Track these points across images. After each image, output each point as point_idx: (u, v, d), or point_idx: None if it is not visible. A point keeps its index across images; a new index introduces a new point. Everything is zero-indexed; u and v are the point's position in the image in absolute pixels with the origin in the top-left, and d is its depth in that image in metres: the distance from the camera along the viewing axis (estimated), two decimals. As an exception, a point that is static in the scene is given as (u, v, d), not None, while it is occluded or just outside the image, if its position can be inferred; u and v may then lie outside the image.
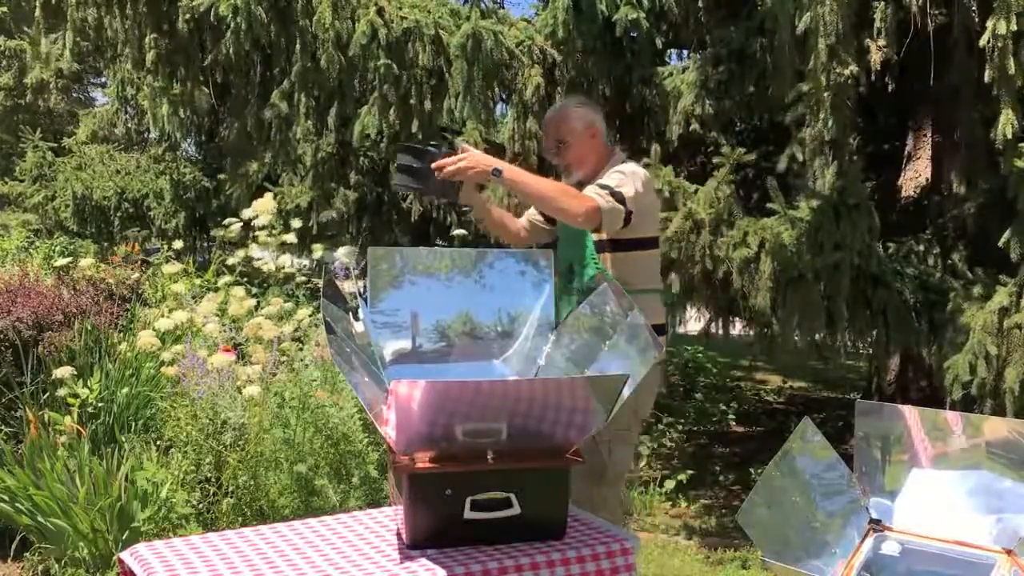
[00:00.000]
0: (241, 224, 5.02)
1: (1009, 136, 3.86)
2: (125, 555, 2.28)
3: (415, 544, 2.23)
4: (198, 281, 6.13)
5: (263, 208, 4.93)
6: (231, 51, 5.46)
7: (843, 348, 4.93)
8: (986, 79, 3.86)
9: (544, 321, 2.67)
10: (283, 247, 5.09)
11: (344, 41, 5.26)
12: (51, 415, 4.15)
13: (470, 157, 2.78)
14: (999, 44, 3.75)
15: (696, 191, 4.71)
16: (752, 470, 5.71)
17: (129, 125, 15.73)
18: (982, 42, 3.82)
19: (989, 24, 3.79)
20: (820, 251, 4.39)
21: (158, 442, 4.19)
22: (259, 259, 5.22)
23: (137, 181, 10.06)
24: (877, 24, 4.24)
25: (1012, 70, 3.74)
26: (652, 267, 3.12)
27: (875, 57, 4.62)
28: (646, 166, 4.80)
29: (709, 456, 6.44)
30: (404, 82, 5.36)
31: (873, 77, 4.79)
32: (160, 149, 11.64)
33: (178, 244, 7.40)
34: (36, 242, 10.88)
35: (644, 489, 5.36)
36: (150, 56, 5.74)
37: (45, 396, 4.34)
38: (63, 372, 4.18)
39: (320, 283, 2.70)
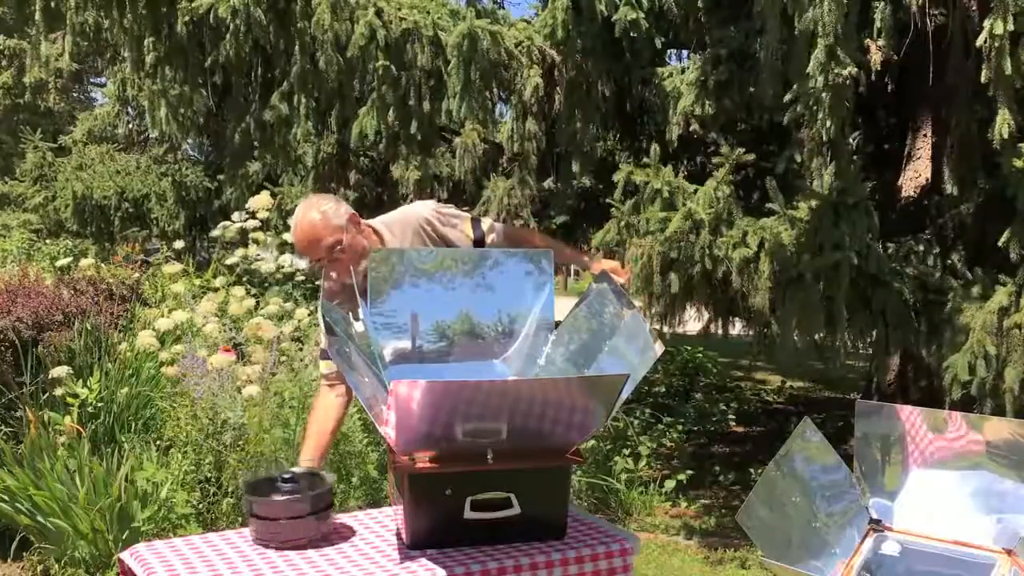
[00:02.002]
0: (237, 225, 5.04)
1: (1006, 136, 3.85)
2: (125, 555, 2.28)
3: (415, 544, 2.24)
4: (197, 281, 6.14)
5: (260, 205, 4.94)
6: (231, 53, 5.46)
7: (843, 348, 4.92)
8: (982, 79, 3.86)
9: (544, 321, 2.67)
10: (283, 247, 5.10)
11: (343, 42, 5.26)
12: (51, 415, 4.15)
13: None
14: (996, 44, 3.75)
15: (695, 191, 4.71)
16: (752, 470, 5.71)
17: (130, 126, 15.73)
18: (979, 42, 3.82)
19: (986, 24, 3.78)
20: (819, 251, 4.39)
21: (158, 442, 4.19)
22: (259, 259, 5.23)
23: (137, 181, 10.05)
24: (877, 24, 4.24)
25: (1008, 70, 3.74)
26: None
27: (875, 57, 4.62)
28: (645, 166, 4.82)
29: (709, 456, 6.44)
30: (403, 83, 5.36)
31: (873, 77, 4.79)
32: (162, 150, 11.64)
33: (179, 244, 7.41)
34: (38, 244, 10.88)
35: (644, 489, 5.36)
36: (149, 58, 5.74)
37: (45, 396, 4.34)
38: (60, 372, 4.18)
39: (320, 283, 2.69)
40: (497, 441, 2.19)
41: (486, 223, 2.94)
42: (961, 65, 4.61)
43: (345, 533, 2.39)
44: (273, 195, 5.73)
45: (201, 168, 10.17)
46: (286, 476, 2.36)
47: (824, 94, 4.01)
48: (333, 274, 2.82)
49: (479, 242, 2.89)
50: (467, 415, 2.13)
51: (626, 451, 5.49)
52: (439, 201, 3.23)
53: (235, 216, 5.07)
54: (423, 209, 2.90)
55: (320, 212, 2.71)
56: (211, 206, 9.48)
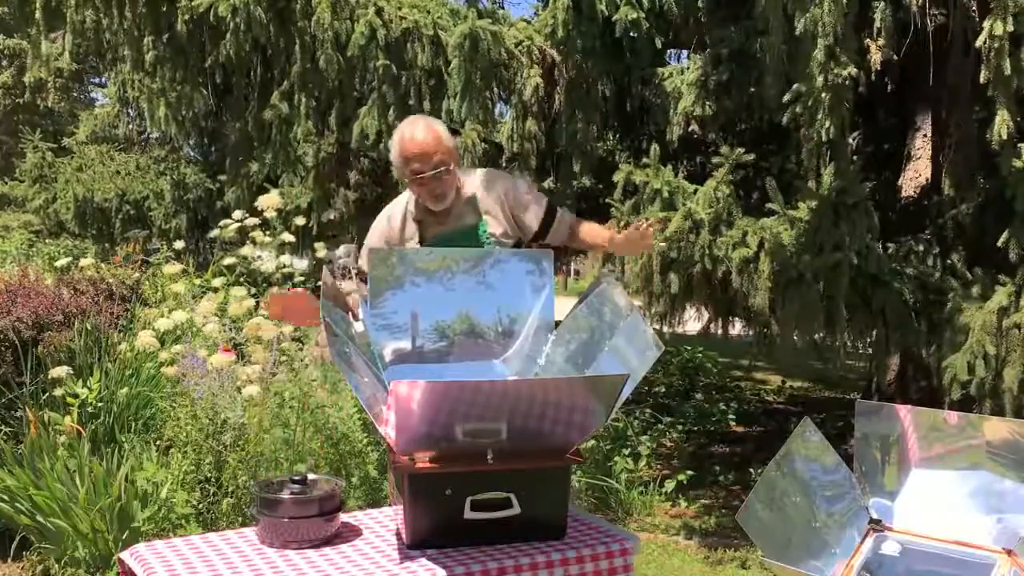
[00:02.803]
0: (237, 224, 5.03)
1: (1004, 137, 3.86)
2: (125, 555, 2.28)
3: (415, 544, 2.24)
4: (197, 281, 6.13)
5: (268, 203, 4.93)
6: (231, 52, 5.46)
7: (843, 348, 4.92)
8: (982, 80, 3.86)
9: (544, 321, 2.67)
10: (283, 247, 5.09)
11: (343, 42, 5.26)
12: (51, 415, 4.15)
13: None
14: (995, 45, 3.75)
15: (695, 191, 4.71)
16: (752, 470, 5.72)
17: (130, 126, 15.74)
18: (978, 43, 3.82)
19: (985, 25, 3.78)
20: (819, 251, 4.39)
21: (158, 442, 4.19)
22: (258, 259, 5.22)
23: (138, 183, 10.05)
24: (877, 24, 4.24)
25: (1008, 71, 3.74)
26: None
27: (875, 57, 4.62)
28: (645, 166, 4.82)
29: (709, 456, 6.44)
30: (403, 82, 5.36)
31: (873, 77, 4.79)
32: (164, 151, 11.64)
33: (179, 244, 7.41)
34: (38, 244, 10.88)
35: (644, 489, 5.36)
36: (149, 57, 5.74)
37: (45, 396, 4.34)
38: (60, 372, 4.17)
39: (320, 283, 2.69)
40: (497, 441, 2.19)
41: (560, 213, 3.03)
42: (961, 65, 4.62)
43: (345, 533, 2.39)
44: (281, 194, 5.73)
45: (201, 168, 10.17)
46: (296, 478, 2.38)
47: (824, 94, 4.02)
48: (404, 203, 2.91)
49: (547, 222, 2.98)
50: (467, 415, 2.13)
51: (626, 451, 5.50)
52: None
53: (236, 214, 5.06)
54: (516, 178, 3.04)
55: (437, 129, 2.78)
56: (213, 207, 9.47)
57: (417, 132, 2.77)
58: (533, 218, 2.95)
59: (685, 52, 6.13)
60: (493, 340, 2.66)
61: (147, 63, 5.78)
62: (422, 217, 2.90)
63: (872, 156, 6.43)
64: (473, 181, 2.92)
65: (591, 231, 3.07)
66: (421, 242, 2.91)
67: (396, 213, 2.94)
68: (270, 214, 4.92)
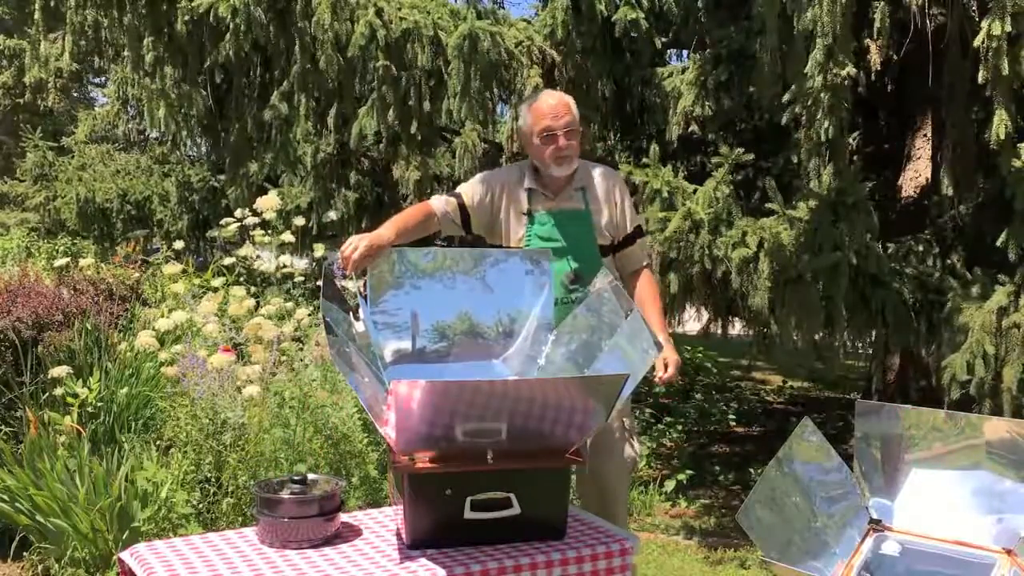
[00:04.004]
0: (239, 223, 5.03)
1: (1003, 136, 3.86)
2: (125, 555, 2.29)
3: (415, 544, 2.24)
4: (197, 281, 6.13)
5: (267, 205, 4.93)
6: (231, 52, 5.46)
7: (842, 348, 4.93)
8: (980, 80, 3.86)
9: (544, 321, 2.68)
10: (283, 247, 5.09)
11: (343, 42, 5.26)
12: (51, 415, 4.15)
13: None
14: (993, 45, 3.76)
15: (695, 191, 4.71)
16: (752, 470, 5.72)
17: (130, 125, 15.74)
18: (976, 42, 3.82)
19: (984, 24, 3.79)
20: (819, 251, 4.39)
21: (158, 442, 4.19)
22: (258, 258, 5.22)
23: (139, 183, 10.05)
24: (876, 24, 4.24)
25: (1006, 71, 3.75)
26: None
27: (875, 57, 4.63)
28: (645, 166, 4.82)
29: (709, 456, 6.44)
30: (403, 83, 5.36)
31: (872, 77, 4.79)
32: (164, 151, 11.64)
33: (179, 244, 7.40)
34: (38, 243, 10.87)
35: (644, 489, 5.36)
36: (149, 57, 5.74)
37: (45, 396, 4.34)
38: (59, 371, 4.17)
39: (320, 283, 2.70)
40: (497, 441, 2.19)
41: (642, 241, 3.16)
42: (959, 65, 4.62)
43: (345, 533, 2.39)
44: (280, 195, 5.74)
45: (206, 168, 10.17)
46: (296, 478, 2.37)
47: (823, 94, 4.02)
48: (520, 167, 3.07)
49: (629, 239, 3.10)
50: (467, 415, 2.13)
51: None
52: None
53: (237, 213, 5.05)
54: (623, 185, 3.15)
55: (568, 99, 3.01)
56: (217, 206, 9.46)
57: (550, 97, 3.00)
58: (627, 225, 3.10)
59: (685, 52, 6.13)
60: (493, 340, 2.67)
61: (147, 63, 5.78)
62: (532, 187, 3.04)
63: (872, 156, 6.42)
64: (587, 174, 3.08)
65: (646, 301, 3.05)
66: (528, 211, 3.02)
67: (511, 172, 3.11)
68: (269, 215, 4.92)
